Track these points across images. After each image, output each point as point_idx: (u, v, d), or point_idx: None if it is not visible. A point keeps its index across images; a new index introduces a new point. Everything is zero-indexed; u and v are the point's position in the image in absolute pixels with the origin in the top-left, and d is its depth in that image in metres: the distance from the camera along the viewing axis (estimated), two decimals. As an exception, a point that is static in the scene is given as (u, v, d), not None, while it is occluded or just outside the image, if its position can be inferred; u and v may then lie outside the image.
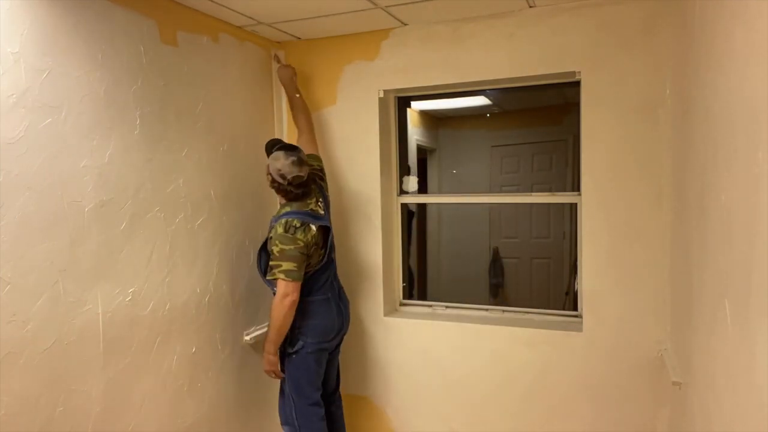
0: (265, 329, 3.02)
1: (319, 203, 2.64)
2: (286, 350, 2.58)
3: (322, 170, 2.81)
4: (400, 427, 3.09)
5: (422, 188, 4.85)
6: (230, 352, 2.80)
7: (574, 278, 3.07)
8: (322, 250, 2.59)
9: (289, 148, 2.54)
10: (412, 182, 3.32)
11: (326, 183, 2.81)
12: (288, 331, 2.52)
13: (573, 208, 2.87)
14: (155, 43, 2.35)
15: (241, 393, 2.89)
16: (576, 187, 2.77)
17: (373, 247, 3.05)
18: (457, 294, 5.21)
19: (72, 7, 1.99)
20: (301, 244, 2.43)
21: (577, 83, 2.64)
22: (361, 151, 3.05)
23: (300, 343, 2.56)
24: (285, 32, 2.97)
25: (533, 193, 4.01)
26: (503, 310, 3.04)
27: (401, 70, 2.93)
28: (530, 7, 2.63)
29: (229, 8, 2.54)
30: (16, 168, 1.81)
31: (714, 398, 1.45)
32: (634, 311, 2.55)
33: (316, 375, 2.63)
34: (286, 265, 2.42)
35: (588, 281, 2.65)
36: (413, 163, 4.47)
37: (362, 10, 2.62)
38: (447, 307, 3.15)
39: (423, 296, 4.52)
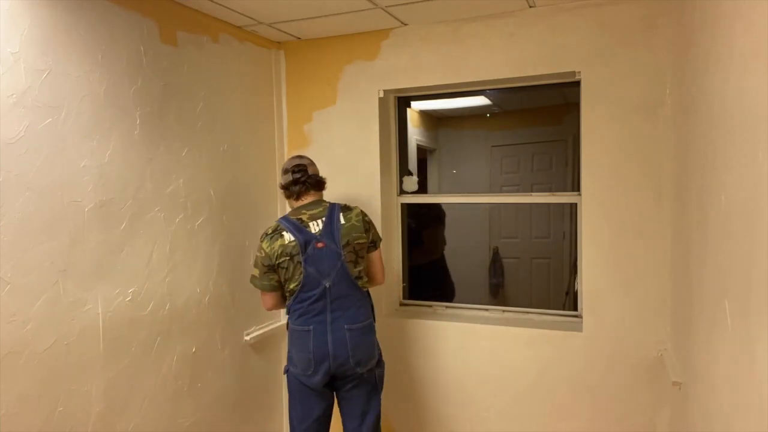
0: (266, 329, 3.03)
1: (319, 222, 2.37)
2: None
3: (375, 232, 2.53)
4: (400, 427, 3.09)
5: (422, 188, 4.85)
6: (230, 352, 2.80)
7: (574, 278, 3.07)
8: (302, 272, 2.32)
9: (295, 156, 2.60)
10: (412, 182, 3.31)
11: (369, 232, 2.47)
12: None
13: (573, 208, 2.87)
14: (155, 43, 2.35)
15: (241, 393, 2.89)
16: (576, 187, 2.77)
17: (373, 247, 3.05)
18: (457, 294, 5.21)
19: (72, 7, 1.99)
20: (262, 253, 2.37)
21: (577, 83, 2.64)
22: (361, 151, 3.05)
23: (286, 367, 2.50)
24: (285, 32, 2.97)
25: (533, 193, 4.01)
26: (503, 310, 3.04)
27: (401, 70, 2.93)
28: (530, 7, 2.63)
29: (229, 8, 2.54)
30: (16, 168, 1.81)
31: (714, 398, 1.45)
32: (634, 311, 2.55)
33: (300, 407, 2.44)
34: (253, 270, 2.45)
35: (588, 281, 2.65)
36: (413, 163, 4.46)
37: (362, 10, 2.62)
38: (447, 307, 3.15)
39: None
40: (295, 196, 2.48)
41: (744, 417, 1.15)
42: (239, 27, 2.82)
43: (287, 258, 2.33)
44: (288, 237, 2.34)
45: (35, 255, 1.87)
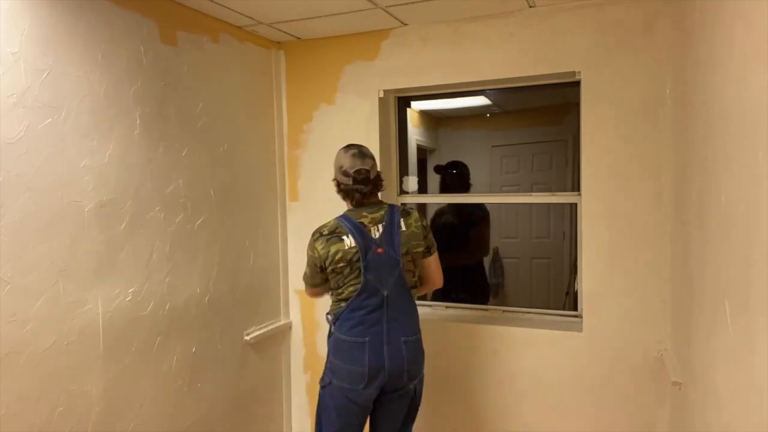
0: (266, 329, 3.03)
1: (380, 226, 2.22)
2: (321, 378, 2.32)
3: (431, 238, 2.40)
4: (400, 427, 3.09)
5: (422, 188, 4.84)
6: (230, 352, 2.80)
7: (574, 278, 3.06)
8: (360, 278, 2.17)
9: (349, 145, 2.34)
10: (412, 182, 3.31)
11: (427, 238, 2.35)
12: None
13: (573, 208, 2.87)
14: (155, 43, 2.35)
15: (241, 393, 2.89)
16: (576, 187, 2.77)
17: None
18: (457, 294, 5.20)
19: (72, 7, 1.99)
20: (315, 254, 2.21)
21: (577, 83, 2.64)
22: (361, 151, 3.04)
23: (326, 380, 2.27)
24: (285, 32, 2.97)
25: (533, 193, 4.01)
26: (503, 310, 3.04)
27: (401, 70, 2.93)
28: (530, 7, 2.63)
29: (229, 8, 2.54)
30: (16, 168, 1.81)
31: (714, 398, 1.45)
32: (634, 311, 2.55)
33: (338, 420, 2.23)
34: (305, 269, 2.33)
35: (588, 281, 2.64)
36: (413, 164, 4.46)
37: (362, 10, 2.62)
38: (447, 307, 3.15)
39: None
40: (354, 202, 2.29)
41: (744, 417, 1.15)
42: (239, 27, 2.82)
43: (345, 264, 2.17)
44: (349, 242, 2.17)
45: (35, 255, 1.87)
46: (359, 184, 2.23)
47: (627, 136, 2.52)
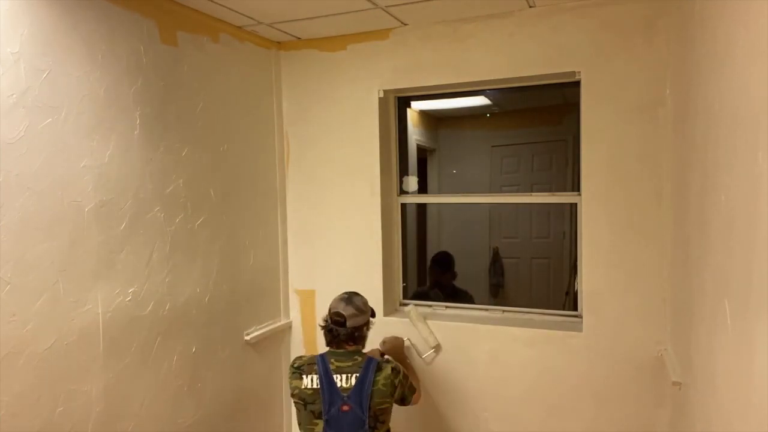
0: (266, 329, 3.03)
1: (349, 377, 2.21)
2: None
3: (406, 388, 2.37)
4: (400, 427, 3.09)
5: (422, 188, 4.84)
6: (230, 352, 2.80)
7: (574, 278, 3.06)
8: (319, 421, 2.19)
9: (347, 292, 2.41)
10: (412, 182, 3.31)
11: (397, 391, 2.30)
12: None
13: (573, 208, 2.87)
14: (155, 43, 2.35)
15: (241, 393, 2.89)
16: (576, 187, 2.77)
17: (373, 248, 3.05)
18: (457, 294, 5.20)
19: (72, 7, 1.99)
20: (289, 382, 2.28)
21: (577, 83, 2.64)
22: (361, 151, 3.05)
23: None
24: (285, 32, 2.97)
25: (533, 193, 4.01)
26: (503, 310, 3.04)
27: (401, 70, 2.93)
28: (530, 7, 2.63)
29: (229, 8, 2.54)
30: (16, 168, 1.81)
31: (714, 398, 1.45)
32: (635, 311, 2.55)
33: None
34: None
35: (588, 281, 2.64)
36: (413, 164, 4.46)
37: (362, 10, 2.62)
38: (447, 307, 3.15)
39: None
40: (326, 342, 2.33)
41: (744, 417, 1.15)
42: (239, 27, 2.82)
43: (301, 403, 2.23)
44: (307, 382, 2.21)
45: (35, 255, 1.87)
46: (333, 325, 2.28)
47: (627, 136, 2.52)
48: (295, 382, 2.25)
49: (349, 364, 2.24)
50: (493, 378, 2.85)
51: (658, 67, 2.44)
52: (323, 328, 2.34)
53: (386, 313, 3.08)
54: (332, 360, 2.25)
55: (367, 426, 2.18)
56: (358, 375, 2.21)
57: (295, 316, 3.27)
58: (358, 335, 2.31)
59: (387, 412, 2.30)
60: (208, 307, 2.66)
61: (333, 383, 2.20)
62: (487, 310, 3.08)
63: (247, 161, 2.93)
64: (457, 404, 2.95)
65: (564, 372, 2.71)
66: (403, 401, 2.37)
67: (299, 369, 2.27)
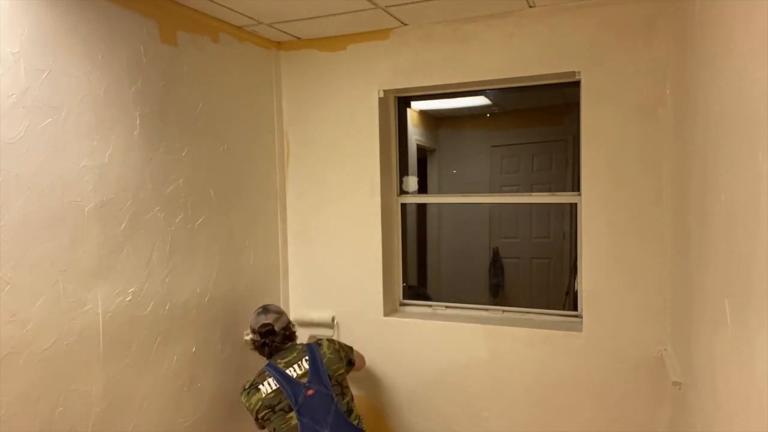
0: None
1: (299, 366, 2.39)
2: None
3: (346, 349, 2.61)
4: (400, 427, 3.09)
5: (422, 188, 4.84)
6: (230, 352, 2.80)
7: (574, 278, 3.06)
8: (291, 414, 2.29)
9: (259, 307, 2.61)
10: (412, 182, 3.31)
11: (341, 352, 2.54)
12: None
13: (573, 208, 2.87)
14: (155, 43, 2.35)
15: (241, 393, 2.88)
16: (576, 187, 2.77)
17: (373, 248, 3.05)
18: (457, 294, 5.19)
19: (72, 7, 1.99)
20: (248, 406, 2.36)
21: (577, 83, 2.64)
22: (361, 151, 3.05)
23: None
24: (285, 32, 2.97)
25: (533, 193, 4.02)
26: (503, 310, 3.04)
27: (401, 70, 2.93)
28: (530, 7, 2.63)
29: (229, 8, 2.54)
30: (16, 168, 1.81)
31: (714, 398, 1.45)
32: (634, 311, 2.55)
33: None
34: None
35: (588, 281, 2.64)
36: (413, 164, 4.46)
37: (362, 10, 2.62)
38: (447, 307, 3.15)
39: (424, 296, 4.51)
40: (266, 354, 2.49)
41: (744, 417, 1.15)
42: (239, 27, 2.82)
43: (269, 411, 2.32)
44: (266, 388, 2.34)
45: (35, 255, 1.87)
46: (266, 337, 2.46)
47: (627, 136, 2.52)
48: (255, 397, 2.35)
49: (294, 354, 2.44)
50: (493, 378, 2.85)
51: (658, 67, 2.44)
52: (255, 346, 2.51)
53: (386, 313, 3.08)
54: (278, 361, 2.43)
55: (335, 399, 2.34)
56: (307, 358, 2.41)
57: (295, 316, 3.27)
58: (289, 333, 2.54)
59: (345, 378, 2.48)
60: (208, 307, 2.66)
61: (289, 377, 2.36)
62: (487, 310, 3.08)
63: (247, 161, 2.93)
64: (457, 404, 2.95)
65: (564, 372, 2.71)
66: (350, 363, 2.57)
67: (252, 385, 2.39)
